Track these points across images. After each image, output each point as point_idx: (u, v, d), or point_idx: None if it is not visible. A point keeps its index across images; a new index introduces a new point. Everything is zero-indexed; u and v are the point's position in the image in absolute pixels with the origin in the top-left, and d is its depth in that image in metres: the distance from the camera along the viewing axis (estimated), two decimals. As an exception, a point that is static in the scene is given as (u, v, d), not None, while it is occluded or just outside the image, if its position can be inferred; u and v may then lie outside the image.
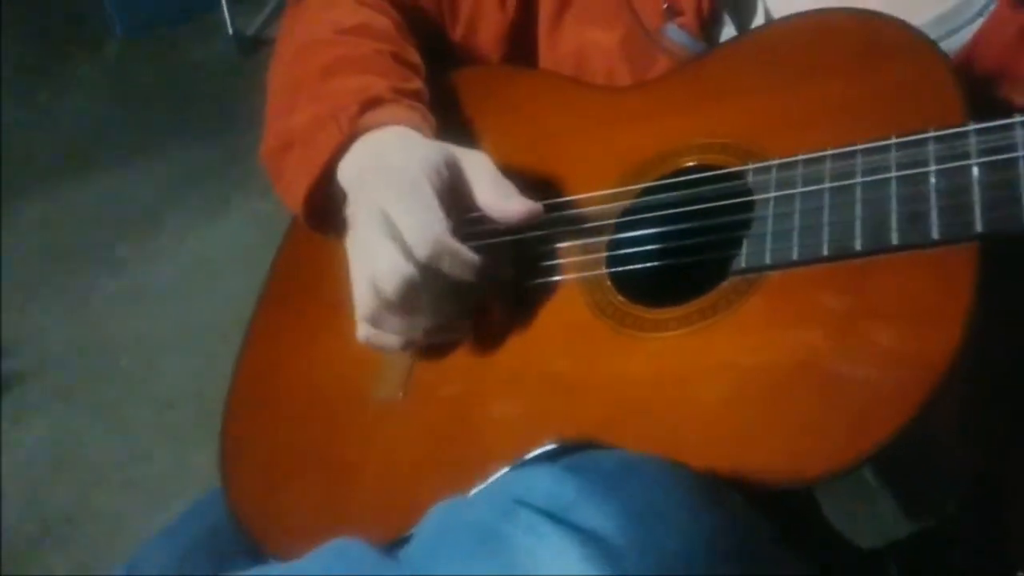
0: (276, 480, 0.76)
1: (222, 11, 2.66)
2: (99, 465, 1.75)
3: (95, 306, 2.07)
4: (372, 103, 0.77)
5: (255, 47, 2.54)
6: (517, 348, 0.68)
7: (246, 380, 0.82)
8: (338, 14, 0.87)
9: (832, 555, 0.59)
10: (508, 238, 0.70)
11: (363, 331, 0.71)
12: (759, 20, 0.76)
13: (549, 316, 0.68)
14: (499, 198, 0.70)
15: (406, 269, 0.66)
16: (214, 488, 0.80)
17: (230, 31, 2.64)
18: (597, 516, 0.45)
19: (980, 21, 0.69)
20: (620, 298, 0.65)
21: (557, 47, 0.85)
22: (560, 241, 0.71)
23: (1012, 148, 0.53)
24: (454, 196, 0.70)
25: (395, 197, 0.68)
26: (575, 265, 0.69)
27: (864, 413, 0.52)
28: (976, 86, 0.65)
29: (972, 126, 0.55)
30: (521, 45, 0.88)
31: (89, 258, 2.17)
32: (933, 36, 0.67)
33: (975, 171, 0.54)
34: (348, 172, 0.75)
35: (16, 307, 2.08)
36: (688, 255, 0.65)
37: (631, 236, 0.68)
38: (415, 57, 0.86)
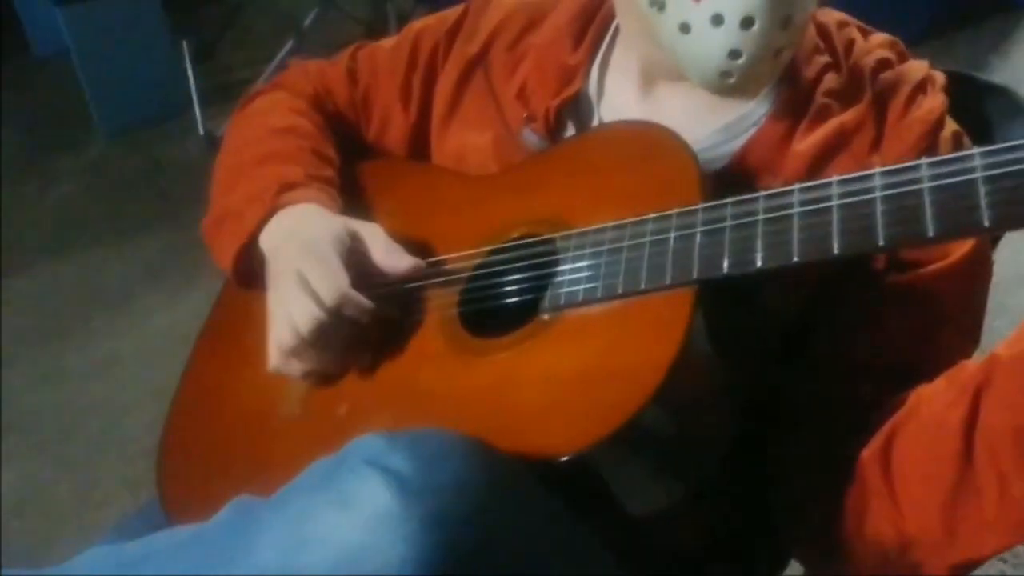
0: (202, 481, 0.86)
1: (194, 115, 2.77)
2: (62, 512, 1.80)
3: (68, 371, 2.12)
4: (289, 186, 0.89)
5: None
6: (388, 372, 0.81)
7: (183, 401, 0.94)
8: (272, 118, 1.01)
9: (616, 521, 0.69)
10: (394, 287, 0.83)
11: (275, 361, 0.83)
12: (595, 124, 0.89)
13: (414, 346, 0.81)
14: (391, 257, 0.83)
15: (318, 314, 0.78)
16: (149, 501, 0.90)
17: (201, 132, 2.74)
18: (399, 460, 0.56)
19: (754, 130, 0.82)
20: (464, 332, 0.78)
21: (445, 146, 0.97)
22: (427, 290, 0.84)
23: (722, 219, 0.68)
24: (354, 258, 0.83)
25: (307, 260, 0.81)
26: (436, 307, 0.82)
27: (614, 402, 0.64)
28: (747, 175, 0.79)
29: (701, 205, 0.69)
30: (420, 144, 1.01)
31: (65, 329, 2.22)
32: (719, 140, 0.82)
33: (698, 238, 0.68)
34: (268, 241, 0.88)
35: (-5, 371, 2.14)
36: (514, 298, 0.78)
37: (478, 285, 0.82)
38: (331, 152, 0.99)
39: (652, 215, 0.72)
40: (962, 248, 0.77)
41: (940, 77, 0.85)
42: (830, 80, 0.82)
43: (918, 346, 0.75)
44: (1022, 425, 0.61)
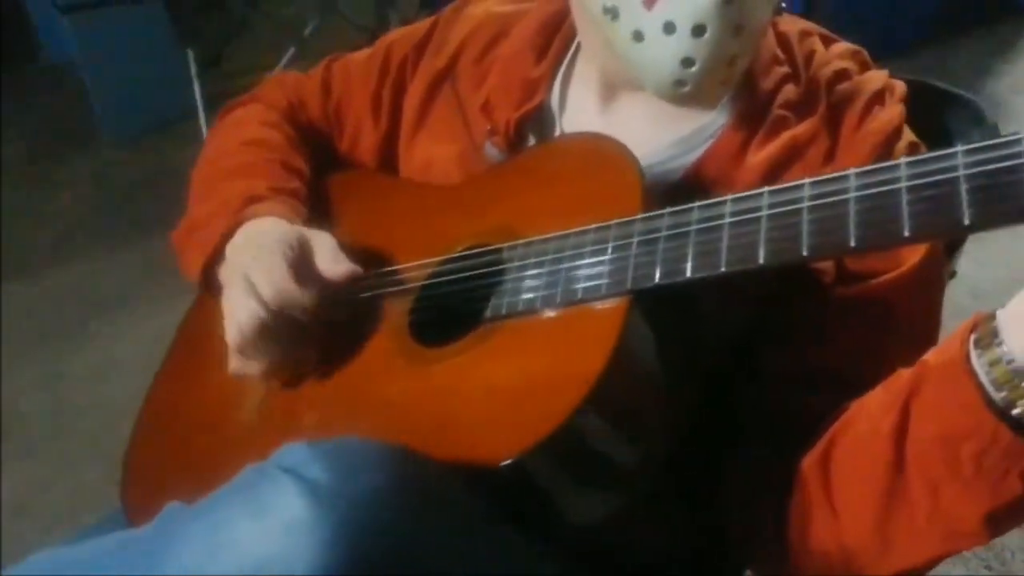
0: (160, 488, 0.87)
1: (199, 121, 2.79)
2: (59, 514, 1.81)
3: (66, 374, 2.14)
4: (253, 200, 0.90)
5: (225, 153, 2.63)
6: (342, 379, 0.82)
7: (151, 406, 0.96)
8: (244, 131, 1.03)
9: (562, 529, 0.69)
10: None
11: (232, 364, 0.84)
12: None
13: (367, 353, 0.82)
14: (331, 263, 0.84)
15: (261, 313, 0.79)
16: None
17: (205, 138, 2.76)
18: (316, 469, 0.57)
19: (711, 142, 0.81)
20: (412, 340, 0.79)
21: (412, 158, 0.98)
22: (384, 298, 0.84)
23: (658, 230, 0.67)
24: (304, 265, 0.83)
25: (254, 264, 0.82)
26: (391, 315, 0.82)
27: (546, 411, 0.64)
28: (703, 188, 0.78)
29: (639, 216, 0.69)
30: (389, 156, 1.01)
31: (65, 333, 2.24)
32: (676, 152, 0.82)
33: (634, 248, 0.68)
34: (231, 252, 0.88)
35: (-2, 374, 2.18)
36: (463, 307, 0.77)
37: (430, 294, 0.82)
38: (300, 163, 0.99)
39: (593, 226, 0.72)
40: (912, 258, 0.76)
41: (900, 87, 0.84)
42: (788, 91, 0.81)
43: (869, 357, 0.75)
44: (950, 434, 0.61)
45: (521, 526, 0.68)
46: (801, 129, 0.79)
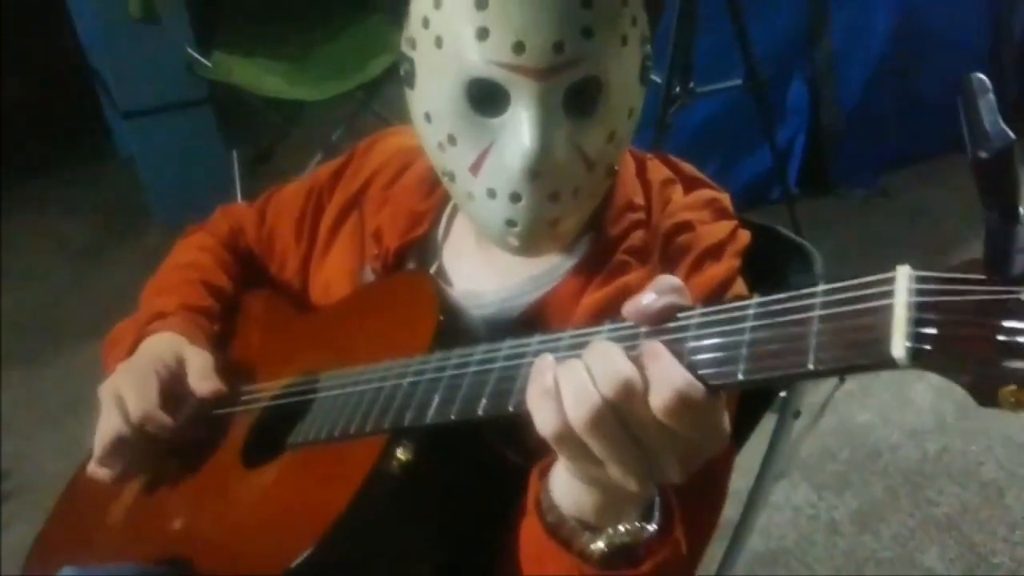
0: (48, 563, 0.91)
1: (238, 213, 2.89)
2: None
3: (86, 444, 2.20)
4: (159, 316, 0.96)
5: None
6: (188, 485, 0.85)
7: (70, 490, 1.01)
8: (182, 255, 1.09)
9: None
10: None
11: (89, 467, 0.88)
12: (435, 267, 0.92)
13: (210, 465, 0.85)
14: (199, 380, 0.88)
15: (122, 428, 0.84)
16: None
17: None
18: None
19: (558, 281, 0.84)
20: (239, 459, 0.82)
21: (317, 281, 1.02)
22: (237, 415, 0.88)
23: (422, 374, 0.69)
24: (178, 383, 0.88)
25: (127, 381, 0.87)
26: (236, 431, 0.86)
27: (294, 540, 0.65)
28: (542, 323, 0.81)
29: (416, 358, 0.71)
30: (307, 279, 1.05)
31: (89, 405, 2.30)
32: (527, 289, 0.84)
33: (404, 387, 0.70)
34: (118, 367, 0.92)
35: (25, 438, 2.24)
36: (285, 432, 0.80)
37: (265, 415, 0.86)
38: (223, 283, 1.04)
39: (384, 364, 0.74)
40: None
41: (742, 239, 0.84)
42: (636, 238, 0.83)
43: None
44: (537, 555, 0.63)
45: None
46: (633, 276, 0.80)
